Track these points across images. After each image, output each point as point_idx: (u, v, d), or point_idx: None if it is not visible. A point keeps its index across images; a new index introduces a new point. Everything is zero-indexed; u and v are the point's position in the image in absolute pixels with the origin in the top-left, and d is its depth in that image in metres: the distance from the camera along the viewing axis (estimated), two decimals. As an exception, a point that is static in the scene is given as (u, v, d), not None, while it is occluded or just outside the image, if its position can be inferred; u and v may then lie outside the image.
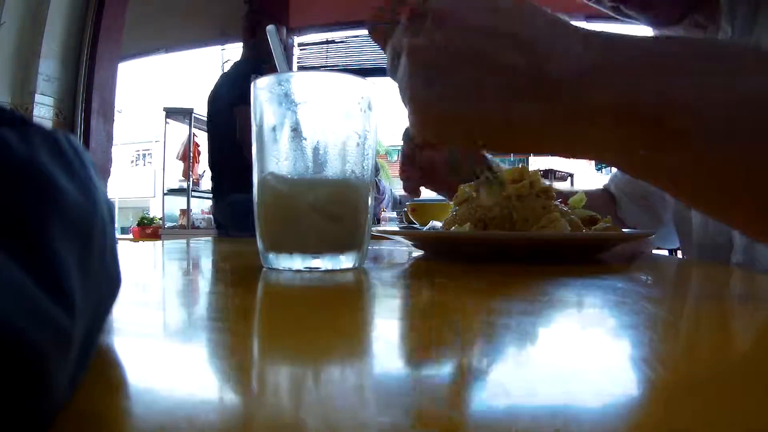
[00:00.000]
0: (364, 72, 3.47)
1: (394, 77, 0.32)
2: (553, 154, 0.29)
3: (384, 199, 2.85)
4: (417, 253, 0.54)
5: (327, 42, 3.72)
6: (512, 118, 0.27)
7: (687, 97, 0.24)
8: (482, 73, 0.27)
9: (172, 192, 3.64)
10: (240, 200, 1.61)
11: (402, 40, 0.29)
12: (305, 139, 0.35)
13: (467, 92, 0.27)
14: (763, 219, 0.26)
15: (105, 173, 2.28)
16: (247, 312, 0.24)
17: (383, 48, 0.33)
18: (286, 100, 0.36)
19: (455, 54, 0.27)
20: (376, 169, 2.98)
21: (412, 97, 0.29)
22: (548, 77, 0.26)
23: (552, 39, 0.26)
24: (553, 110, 0.26)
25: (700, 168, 0.25)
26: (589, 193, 0.60)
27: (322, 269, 0.35)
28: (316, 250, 0.35)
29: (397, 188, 3.80)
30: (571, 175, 5.33)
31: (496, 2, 0.28)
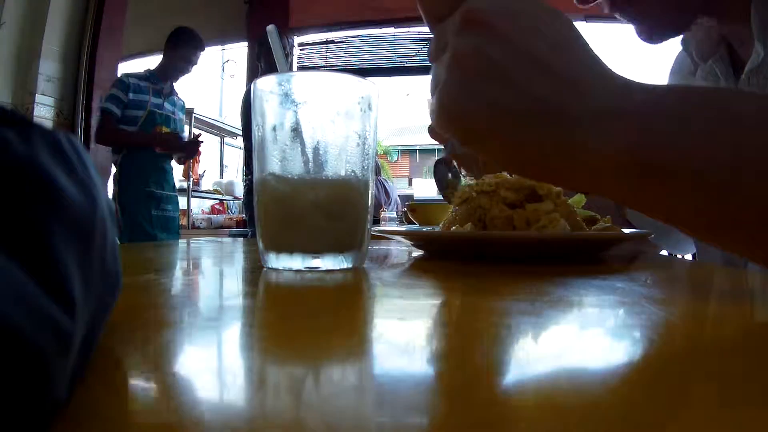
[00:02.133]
0: (364, 72, 3.48)
1: (433, 65, 0.32)
2: (551, 182, 0.29)
3: (392, 201, 2.84)
4: (417, 253, 0.54)
5: (327, 42, 3.72)
6: (521, 139, 0.27)
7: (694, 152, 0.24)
8: (508, 92, 0.27)
9: (173, 192, 3.64)
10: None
11: (451, 39, 0.29)
12: (305, 139, 0.35)
13: (492, 105, 0.27)
14: None
15: (105, 173, 2.29)
16: (247, 312, 0.24)
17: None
18: (286, 100, 0.36)
19: (489, 68, 0.27)
20: (378, 170, 2.97)
21: (444, 92, 0.29)
22: (568, 115, 0.26)
23: (585, 78, 0.27)
24: (559, 145, 0.26)
25: (703, 215, 0.25)
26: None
27: (322, 269, 0.35)
28: (316, 250, 0.35)
29: (399, 189, 3.79)
30: (571, 175, 5.31)
31: (541, 21, 0.28)
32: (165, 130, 2.07)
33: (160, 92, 2.09)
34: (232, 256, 0.58)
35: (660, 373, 0.15)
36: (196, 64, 2.16)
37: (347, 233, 0.36)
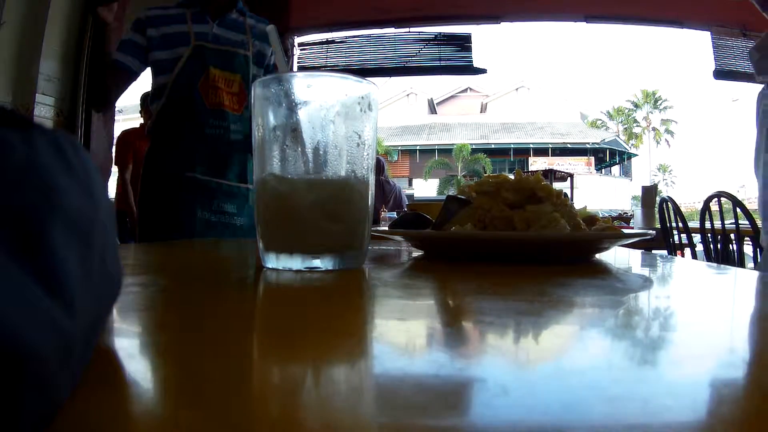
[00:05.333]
0: (364, 72, 3.48)
1: None
2: None
3: (391, 200, 2.83)
4: (417, 253, 0.54)
5: (327, 42, 3.72)
6: None
7: None
8: None
9: (173, 192, 3.64)
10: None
11: None
12: (305, 139, 0.35)
13: None
14: None
15: (105, 173, 2.29)
16: (248, 312, 0.24)
17: None
18: (287, 100, 0.36)
19: None
20: (382, 168, 2.96)
21: None
22: None
23: None
24: None
25: None
26: None
27: (322, 269, 0.35)
28: (316, 250, 0.35)
29: (403, 188, 3.79)
30: (571, 176, 5.33)
31: None
32: (217, 73, 1.15)
33: (202, 16, 1.17)
34: (232, 256, 0.58)
35: (661, 373, 0.15)
36: None
37: (347, 233, 0.36)
